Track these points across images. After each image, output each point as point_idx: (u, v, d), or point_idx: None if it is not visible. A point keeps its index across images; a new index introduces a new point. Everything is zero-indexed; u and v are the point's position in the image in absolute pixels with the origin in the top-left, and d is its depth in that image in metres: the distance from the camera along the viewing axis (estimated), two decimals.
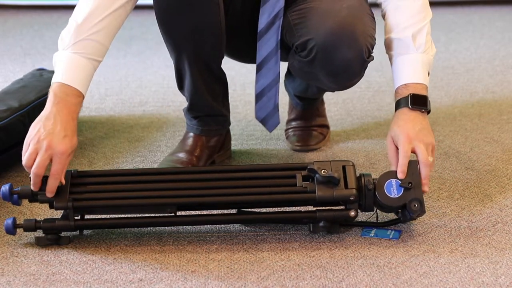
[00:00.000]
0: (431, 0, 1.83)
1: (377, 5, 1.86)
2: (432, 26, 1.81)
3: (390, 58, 1.81)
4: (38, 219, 1.69)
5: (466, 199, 1.87)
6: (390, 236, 1.70)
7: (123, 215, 1.71)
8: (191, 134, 2.06)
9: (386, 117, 2.42)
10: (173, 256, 1.64)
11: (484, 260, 1.60)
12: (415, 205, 1.65)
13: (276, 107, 1.96)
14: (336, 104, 2.55)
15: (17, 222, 1.69)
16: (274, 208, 1.74)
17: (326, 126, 2.26)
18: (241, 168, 1.79)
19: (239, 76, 2.81)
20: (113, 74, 2.93)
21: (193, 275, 1.57)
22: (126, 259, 1.63)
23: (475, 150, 2.17)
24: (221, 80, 2.02)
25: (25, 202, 1.72)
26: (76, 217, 1.68)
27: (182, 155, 2.03)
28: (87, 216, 1.73)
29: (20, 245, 1.69)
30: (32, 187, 1.65)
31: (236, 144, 2.23)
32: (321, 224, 1.68)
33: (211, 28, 1.85)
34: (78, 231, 1.71)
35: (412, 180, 1.67)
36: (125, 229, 1.74)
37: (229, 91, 2.08)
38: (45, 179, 1.65)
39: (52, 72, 1.75)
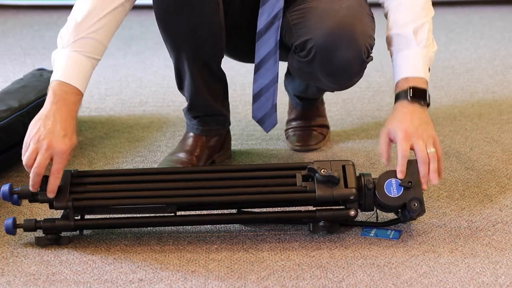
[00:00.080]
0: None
1: (377, 5, 1.86)
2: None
3: (391, 54, 1.80)
4: (38, 219, 1.69)
5: (466, 199, 1.87)
6: (390, 236, 1.70)
7: (123, 215, 1.71)
8: (191, 134, 2.06)
9: (386, 117, 2.38)
10: (173, 256, 1.64)
11: (484, 260, 1.60)
12: (415, 205, 1.65)
13: (274, 107, 1.96)
14: (336, 104, 2.55)
15: (17, 222, 1.69)
16: (274, 208, 1.74)
17: (326, 126, 2.26)
18: (241, 168, 1.79)
19: (239, 76, 2.81)
20: (113, 74, 2.93)
21: (193, 275, 1.57)
22: (126, 259, 1.63)
23: (475, 150, 2.17)
24: (221, 80, 2.02)
25: (25, 202, 1.72)
26: (76, 217, 1.68)
27: (182, 155, 2.03)
28: (87, 216, 1.73)
29: (20, 245, 1.69)
30: (31, 188, 1.65)
31: (236, 144, 2.23)
32: (321, 223, 1.67)
33: (210, 28, 1.85)
34: (78, 231, 1.71)
35: (412, 179, 1.67)
36: (125, 229, 1.74)
37: (229, 91, 2.08)
38: (44, 179, 1.65)
39: (52, 72, 1.75)
